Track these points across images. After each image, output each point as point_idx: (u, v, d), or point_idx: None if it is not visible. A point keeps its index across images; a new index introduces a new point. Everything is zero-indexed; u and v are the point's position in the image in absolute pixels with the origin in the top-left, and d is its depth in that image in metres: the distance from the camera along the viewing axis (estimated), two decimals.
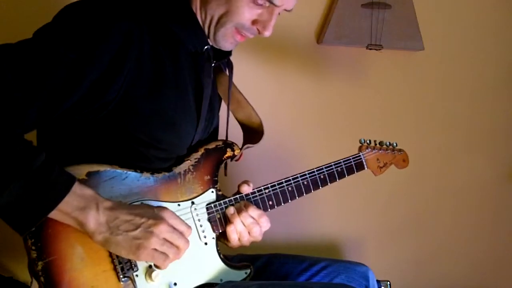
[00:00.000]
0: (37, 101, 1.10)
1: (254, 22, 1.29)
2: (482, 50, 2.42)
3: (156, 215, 1.18)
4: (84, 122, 1.22)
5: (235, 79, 1.50)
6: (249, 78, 2.19)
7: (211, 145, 1.38)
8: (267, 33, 1.30)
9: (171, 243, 1.19)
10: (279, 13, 1.30)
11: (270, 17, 1.28)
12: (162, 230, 1.17)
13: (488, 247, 2.53)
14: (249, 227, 1.34)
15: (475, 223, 2.51)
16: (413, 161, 2.40)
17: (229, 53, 1.43)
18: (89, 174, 1.18)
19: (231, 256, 1.50)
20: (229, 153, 1.39)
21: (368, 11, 2.19)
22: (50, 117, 1.15)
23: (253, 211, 1.35)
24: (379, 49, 2.19)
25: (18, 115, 1.08)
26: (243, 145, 1.45)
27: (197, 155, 1.35)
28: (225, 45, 1.33)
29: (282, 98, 2.27)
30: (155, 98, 1.23)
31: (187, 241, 1.22)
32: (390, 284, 2.20)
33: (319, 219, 2.36)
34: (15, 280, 1.84)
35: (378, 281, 1.60)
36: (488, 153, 2.48)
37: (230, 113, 1.51)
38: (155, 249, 1.16)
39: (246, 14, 1.27)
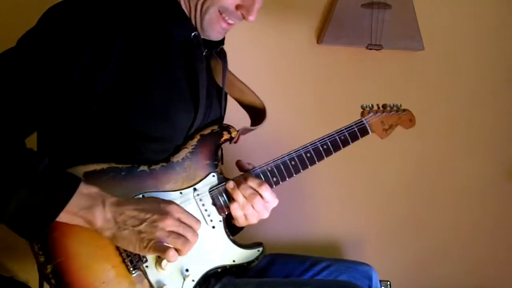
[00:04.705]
0: (27, 107, 1.11)
1: (237, 7, 1.29)
2: (482, 50, 2.42)
3: (161, 209, 1.18)
4: (80, 119, 1.22)
5: None
6: (249, 78, 2.18)
7: (207, 131, 1.36)
8: (251, 18, 1.29)
9: (179, 234, 1.17)
10: None
11: (253, 1, 1.28)
12: (167, 224, 1.16)
13: (488, 247, 2.53)
14: (250, 199, 1.32)
15: (476, 223, 2.51)
16: (414, 161, 2.42)
17: (221, 42, 1.42)
18: (86, 174, 1.18)
19: None
20: (226, 136, 1.37)
21: (368, 11, 2.19)
22: (42, 120, 1.17)
23: (252, 181, 1.33)
24: (379, 49, 2.19)
25: (11, 124, 1.10)
26: (250, 126, 1.43)
27: (193, 142, 1.34)
28: (213, 34, 1.34)
29: (281, 98, 2.26)
30: (144, 89, 1.23)
31: (196, 234, 1.20)
32: (390, 284, 2.20)
33: (321, 219, 2.36)
34: (15, 280, 1.84)
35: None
36: (488, 153, 2.49)
37: (235, 100, 1.51)
38: (160, 242, 1.15)
39: None
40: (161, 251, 1.15)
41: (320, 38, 2.25)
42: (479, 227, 2.51)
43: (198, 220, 1.23)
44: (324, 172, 2.27)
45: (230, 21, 1.32)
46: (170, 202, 1.21)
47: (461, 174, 2.47)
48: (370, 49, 2.20)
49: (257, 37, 2.21)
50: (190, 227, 1.20)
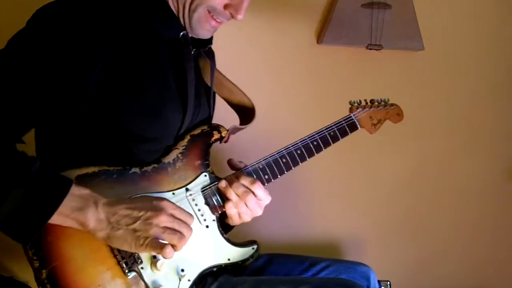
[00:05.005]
0: (20, 108, 1.12)
1: (226, 6, 1.29)
2: (482, 50, 2.42)
3: (154, 206, 1.18)
4: (74, 121, 1.22)
5: (232, 78, 1.50)
6: (249, 78, 2.18)
7: (197, 131, 1.37)
8: (239, 16, 1.30)
9: (174, 230, 1.17)
10: None
11: (241, 0, 1.29)
12: (161, 221, 1.16)
13: (488, 247, 2.53)
14: (243, 197, 1.33)
15: (476, 223, 2.51)
16: (413, 161, 2.42)
17: (209, 41, 1.43)
18: (77, 177, 1.18)
19: None
20: (216, 135, 1.38)
21: (368, 11, 2.19)
22: (36, 121, 1.18)
23: (244, 179, 1.34)
24: (379, 49, 2.19)
25: (4, 126, 1.11)
26: (240, 125, 1.44)
27: (184, 142, 1.34)
28: (202, 33, 1.34)
29: (281, 98, 2.26)
30: (135, 89, 1.23)
31: (190, 228, 1.20)
32: (390, 284, 2.20)
33: (320, 219, 2.36)
34: (15, 280, 1.84)
35: (378, 281, 1.60)
36: (488, 153, 2.48)
37: (224, 100, 1.50)
38: (156, 239, 1.15)
39: None
40: (157, 248, 1.15)
41: (320, 38, 2.25)
42: (479, 227, 2.51)
43: (191, 215, 1.23)
44: (323, 172, 2.27)
45: (218, 20, 1.32)
46: (162, 199, 1.21)
47: (461, 174, 2.47)
48: (370, 49, 2.20)
49: (257, 37, 2.21)
50: (184, 222, 1.20)
